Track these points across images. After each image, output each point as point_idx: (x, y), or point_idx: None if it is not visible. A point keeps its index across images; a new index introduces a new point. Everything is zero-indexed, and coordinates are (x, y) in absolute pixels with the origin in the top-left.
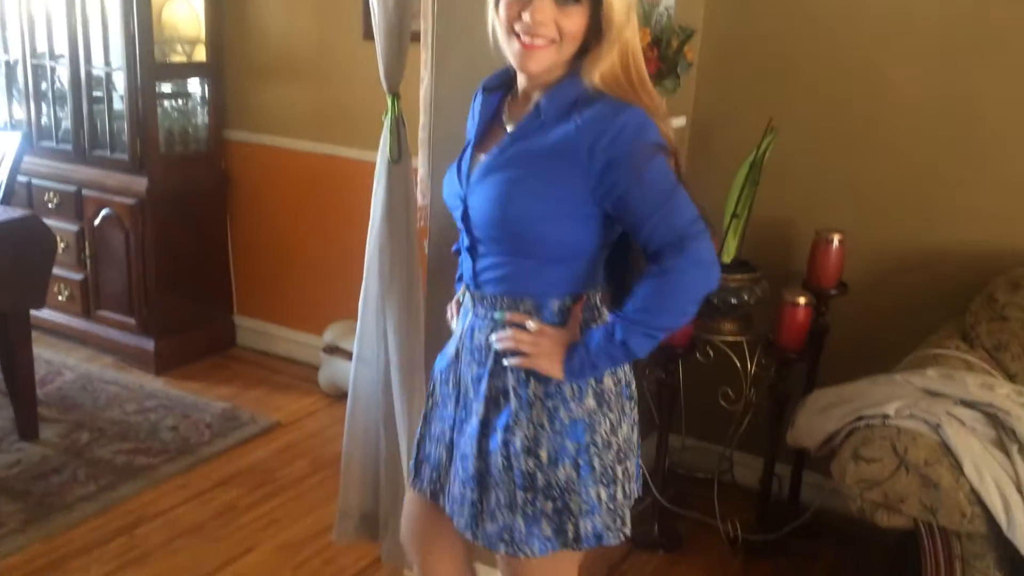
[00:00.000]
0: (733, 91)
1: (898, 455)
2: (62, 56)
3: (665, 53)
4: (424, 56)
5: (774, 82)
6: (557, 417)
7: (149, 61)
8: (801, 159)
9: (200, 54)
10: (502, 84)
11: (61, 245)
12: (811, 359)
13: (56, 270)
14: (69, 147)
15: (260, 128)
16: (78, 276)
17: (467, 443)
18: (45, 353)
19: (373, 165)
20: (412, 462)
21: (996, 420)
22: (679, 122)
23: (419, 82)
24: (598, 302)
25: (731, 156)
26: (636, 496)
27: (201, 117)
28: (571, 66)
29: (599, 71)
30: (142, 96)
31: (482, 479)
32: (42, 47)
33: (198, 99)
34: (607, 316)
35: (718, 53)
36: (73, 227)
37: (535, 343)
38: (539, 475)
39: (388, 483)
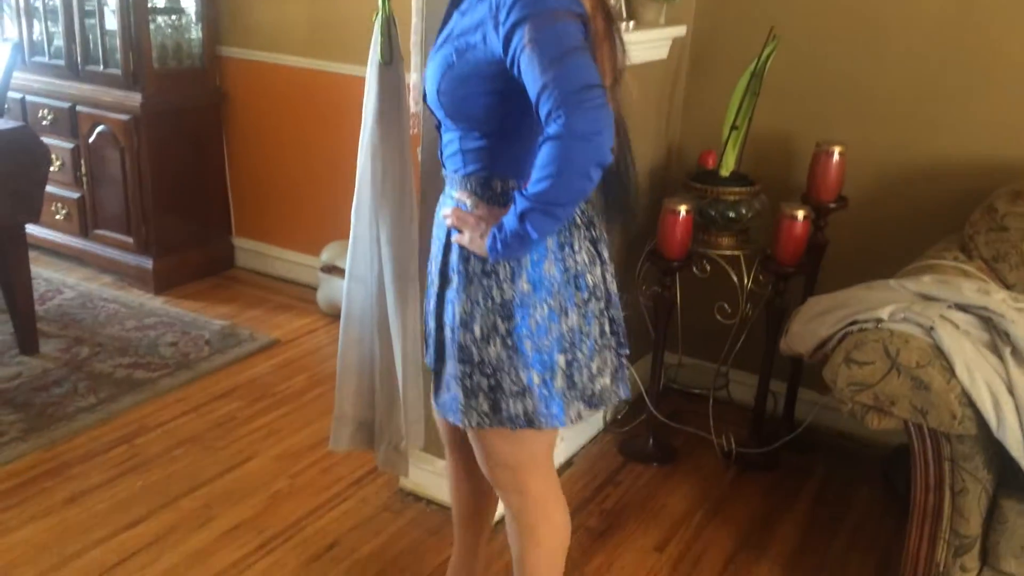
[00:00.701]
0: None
1: (890, 357)
2: None
3: None
4: None
5: None
6: (490, 296)
7: None
8: (803, 70)
9: None
10: None
11: (57, 163)
12: (809, 274)
13: (53, 189)
14: (62, 62)
15: (254, 44)
16: (75, 195)
17: (430, 317)
18: (44, 272)
19: None
20: None
21: (990, 323)
22: (679, 31)
23: None
24: None
25: (732, 66)
26: (597, 391)
27: (195, 33)
28: None
29: None
30: (134, 10)
31: (440, 350)
32: None
33: (192, 14)
34: None
35: None
36: (68, 145)
37: (464, 220)
38: (473, 350)
39: (383, 392)
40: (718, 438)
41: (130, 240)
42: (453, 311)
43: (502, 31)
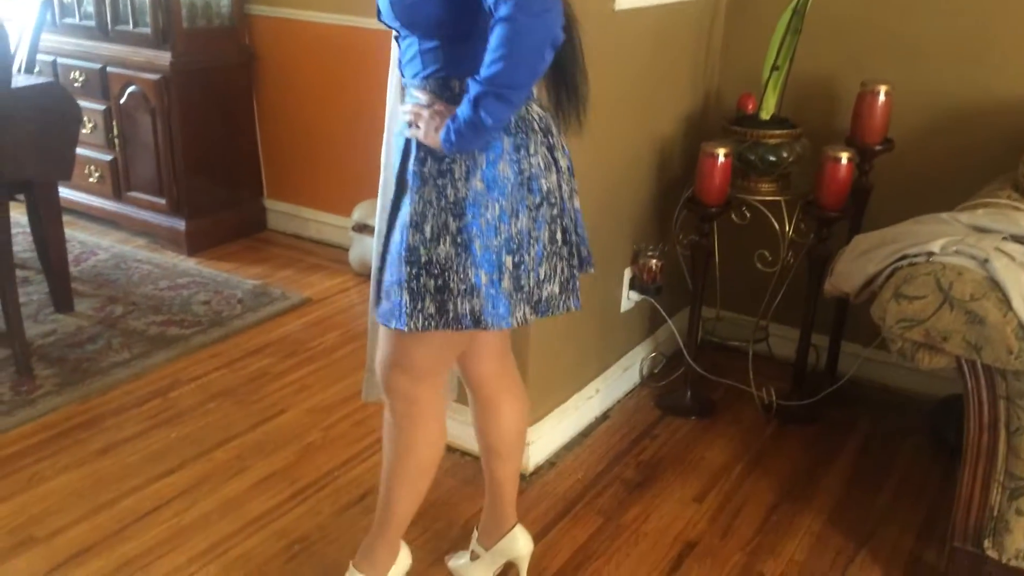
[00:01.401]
0: None
1: (942, 291)
2: None
3: None
4: None
5: None
6: (444, 195)
7: None
8: (847, 6)
9: None
10: None
11: (89, 125)
12: (852, 219)
13: (86, 151)
14: (92, 23)
15: (283, 2)
16: (107, 157)
17: (380, 223)
18: (79, 235)
19: None
20: None
21: None
22: None
23: None
24: None
25: (772, 3)
26: (544, 298)
27: None
28: None
29: None
30: None
31: (383, 257)
32: None
33: None
34: None
35: None
36: (100, 107)
37: (419, 113)
38: (422, 250)
39: None
40: (758, 391)
41: (163, 202)
42: (405, 213)
43: None
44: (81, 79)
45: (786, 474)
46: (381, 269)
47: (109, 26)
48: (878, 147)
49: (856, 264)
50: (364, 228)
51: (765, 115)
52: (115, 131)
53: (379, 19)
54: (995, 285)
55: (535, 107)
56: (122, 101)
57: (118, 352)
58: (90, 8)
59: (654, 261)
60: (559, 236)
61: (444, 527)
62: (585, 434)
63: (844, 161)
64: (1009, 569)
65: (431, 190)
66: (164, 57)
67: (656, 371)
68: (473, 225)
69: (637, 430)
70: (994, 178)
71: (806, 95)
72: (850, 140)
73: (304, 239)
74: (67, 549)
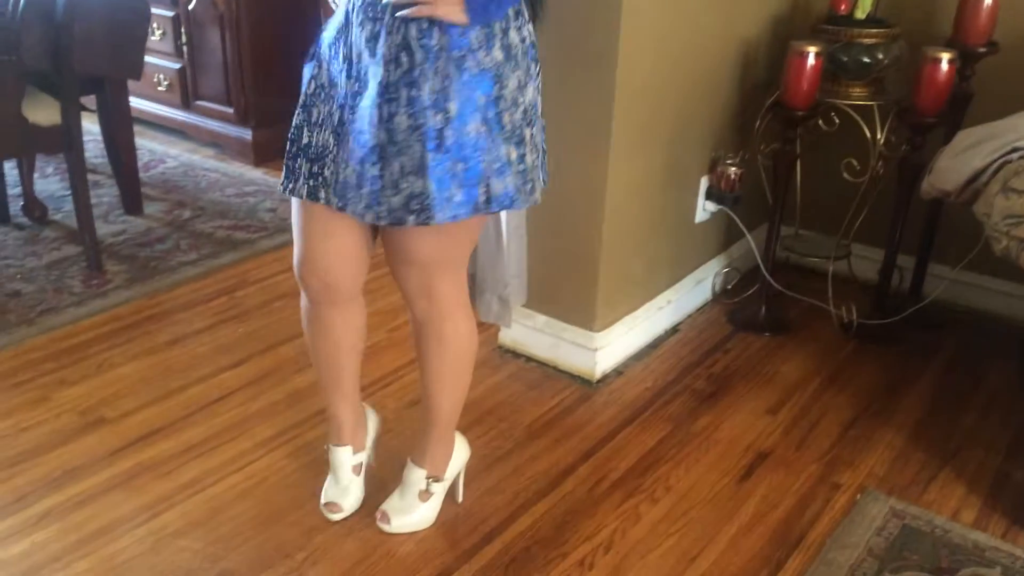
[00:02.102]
0: None
1: None
2: None
3: None
4: None
5: None
6: (464, 68)
7: None
8: None
9: None
10: None
11: (159, 32)
12: (949, 128)
13: (154, 59)
14: None
15: None
16: (176, 65)
17: (364, 115)
18: (147, 144)
19: None
20: (285, 167)
21: None
22: None
23: None
24: None
25: None
26: (547, 171)
27: None
28: None
29: None
30: None
31: (383, 150)
32: None
33: None
34: None
35: None
36: (169, 13)
37: None
38: (448, 132)
39: (485, 243)
40: (837, 309)
41: (230, 111)
42: (415, 95)
43: None
44: None
45: (865, 391)
46: (379, 162)
47: None
48: (982, 50)
49: (959, 160)
50: None
51: (860, 14)
52: (183, 38)
53: None
54: None
55: None
56: (191, 7)
57: (186, 252)
58: None
59: (733, 169)
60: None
61: (508, 428)
62: (654, 346)
63: (945, 63)
64: None
65: (447, 64)
66: None
67: (729, 287)
68: (500, 99)
69: (708, 344)
70: None
71: None
72: (951, 42)
73: None
74: (136, 430)
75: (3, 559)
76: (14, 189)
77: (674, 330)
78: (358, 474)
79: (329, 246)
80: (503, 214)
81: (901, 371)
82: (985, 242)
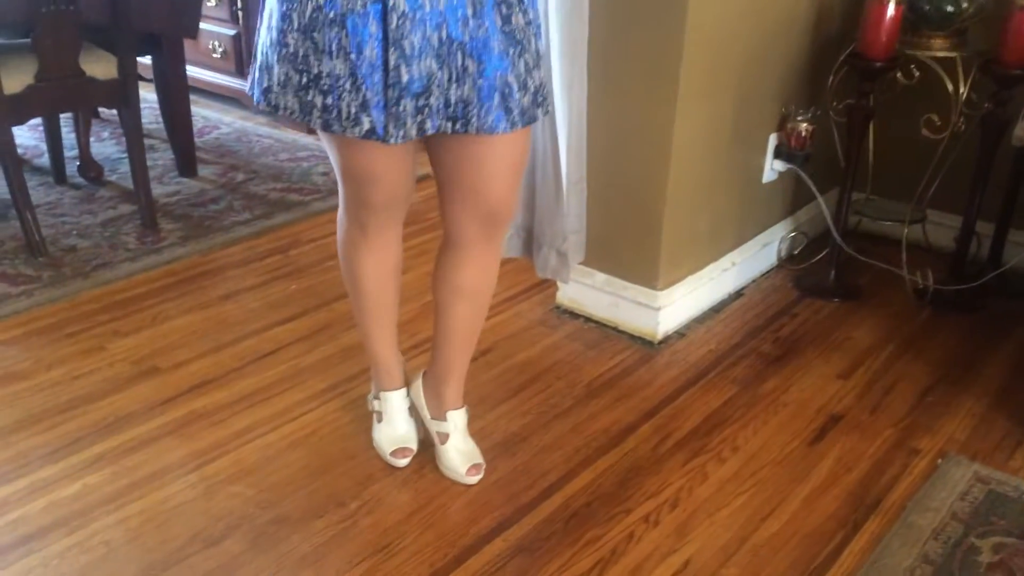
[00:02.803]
0: None
1: None
2: None
3: None
4: None
5: None
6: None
7: None
8: None
9: None
10: None
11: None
12: None
13: (210, 26)
14: None
15: None
16: (231, 32)
17: (479, 24)
18: (202, 111)
19: None
20: (370, 117)
21: None
22: None
23: None
24: None
25: None
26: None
27: None
28: None
29: None
30: None
31: (508, 51)
32: None
33: None
34: None
35: None
36: None
37: None
38: (529, 44)
39: (543, 195)
40: (911, 275)
41: None
42: (531, 18)
43: None
44: None
45: (942, 358)
46: (509, 63)
47: None
48: None
49: None
50: None
51: None
52: (239, 4)
53: None
54: None
55: None
56: None
57: (239, 213)
58: None
59: (804, 125)
60: None
61: (566, 386)
62: (717, 309)
63: None
64: None
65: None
66: None
67: (796, 252)
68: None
69: (774, 308)
70: None
71: None
72: None
73: None
74: (189, 380)
75: (56, 500)
76: (71, 152)
77: (738, 294)
78: (412, 415)
79: (392, 163)
80: (564, 167)
81: (980, 339)
82: None
